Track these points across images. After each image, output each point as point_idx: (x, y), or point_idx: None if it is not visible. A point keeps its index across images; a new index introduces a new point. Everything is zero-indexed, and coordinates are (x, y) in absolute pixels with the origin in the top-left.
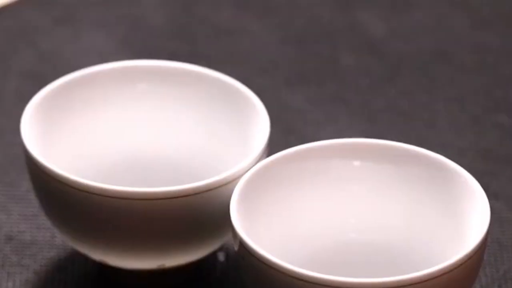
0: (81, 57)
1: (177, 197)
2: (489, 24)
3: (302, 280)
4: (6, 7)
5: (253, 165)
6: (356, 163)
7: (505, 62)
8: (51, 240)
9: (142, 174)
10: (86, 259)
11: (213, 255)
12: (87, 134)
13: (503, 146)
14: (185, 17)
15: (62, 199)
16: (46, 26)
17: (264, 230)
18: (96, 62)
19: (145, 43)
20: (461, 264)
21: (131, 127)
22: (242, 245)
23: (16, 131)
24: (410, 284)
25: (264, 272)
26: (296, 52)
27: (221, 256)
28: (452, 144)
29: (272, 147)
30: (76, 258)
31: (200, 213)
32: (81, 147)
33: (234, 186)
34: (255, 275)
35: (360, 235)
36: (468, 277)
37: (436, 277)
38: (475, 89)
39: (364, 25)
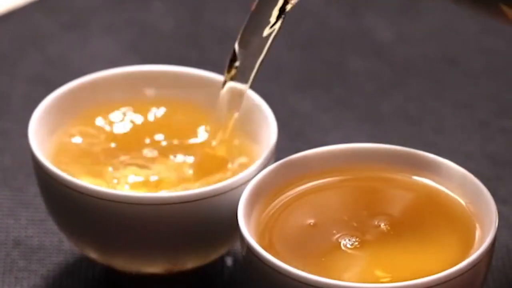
0: (89, 62)
1: (185, 202)
2: (496, 29)
3: (310, 285)
4: (14, 12)
5: (261, 170)
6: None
7: None
8: (59, 245)
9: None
10: (93, 264)
11: (221, 259)
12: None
13: (511, 151)
14: (193, 22)
15: (69, 204)
16: (54, 31)
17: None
18: (104, 67)
19: (153, 48)
20: (469, 269)
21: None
22: (250, 250)
23: (24, 135)
24: None
25: (272, 277)
26: (304, 57)
27: (228, 261)
28: (460, 149)
29: (279, 151)
30: (83, 263)
31: (207, 218)
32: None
33: (242, 191)
34: (262, 280)
35: None
36: (476, 282)
37: (444, 282)
38: (483, 94)
39: (372, 30)
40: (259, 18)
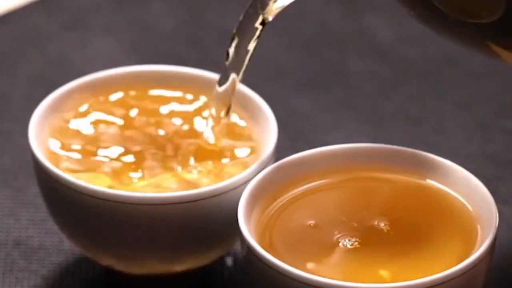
0: (89, 62)
1: (185, 202)
2: None
3: (310, 285)
4: (15, 12)
5: (261, 170)
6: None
7: None
8: (59, 245)
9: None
10: (94, 264)
11: (221, 259)
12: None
13: (511, 151)
14: (193, 22)
15: (69, 204)
16: (54, 31)
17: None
18: (105, 67)
19: (154, 49)
20: (469, 269)
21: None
22: (250, 250)
23: (24, 135)
24: None
25: (272, 277)
26: (305, 57)
27: (229, 261)
28: (460, 149)
29: (280, 151)
30: (84, 263)
31: (207, 218)
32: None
33: (242, 191)
34: (262, 280)
35: None
36: (476, 283)
37: (444, 282)
38: (483, 94)
39: (372, 30)
40: (245, 25)
